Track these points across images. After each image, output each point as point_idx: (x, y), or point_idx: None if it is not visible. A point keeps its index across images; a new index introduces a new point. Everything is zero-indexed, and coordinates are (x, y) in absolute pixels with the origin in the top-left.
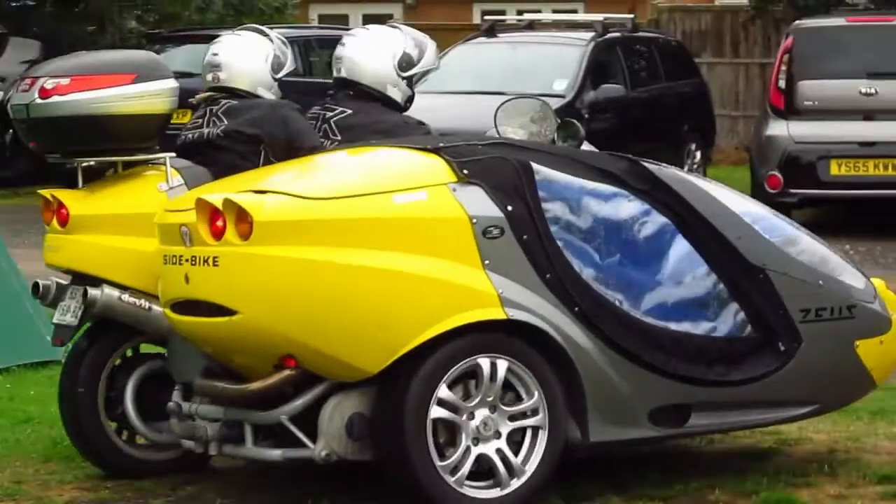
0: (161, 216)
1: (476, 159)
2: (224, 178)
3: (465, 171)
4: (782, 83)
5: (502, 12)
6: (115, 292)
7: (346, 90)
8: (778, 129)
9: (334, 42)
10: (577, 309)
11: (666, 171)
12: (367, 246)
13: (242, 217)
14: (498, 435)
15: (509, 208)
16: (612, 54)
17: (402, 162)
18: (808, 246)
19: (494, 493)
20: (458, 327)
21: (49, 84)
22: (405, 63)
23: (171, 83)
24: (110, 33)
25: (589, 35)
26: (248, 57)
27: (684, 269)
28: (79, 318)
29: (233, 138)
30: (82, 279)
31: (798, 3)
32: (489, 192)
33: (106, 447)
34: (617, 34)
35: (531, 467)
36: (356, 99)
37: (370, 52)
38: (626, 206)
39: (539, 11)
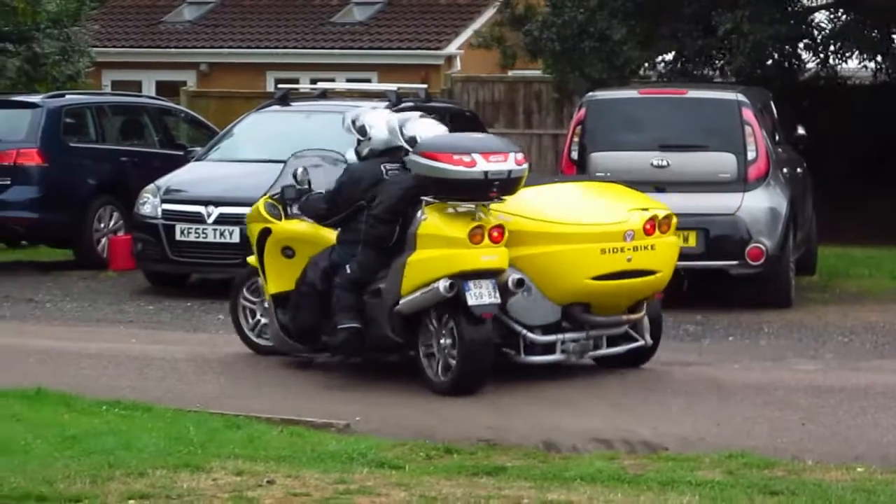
0: (586, 225)
1: None
2: (597, 203)
3: None
4: (574, 154)
5: (296, 80)
6: None
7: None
8: None
9: (127, 108)
10: None
11: None
12: None
13: (666, 223)
14: None
15: None
16: None
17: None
18: None
19: None
20: None
21: (520, 156)
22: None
23: None
24: None
25: (382, 104)
26: None
27: None
28: (499, 298)
29: None
30: (490, 275)
31: (592, 75)
32: None
33: None
34: (411, 104)
35: None
36: None
37: None
38: None
39: (333, 80)
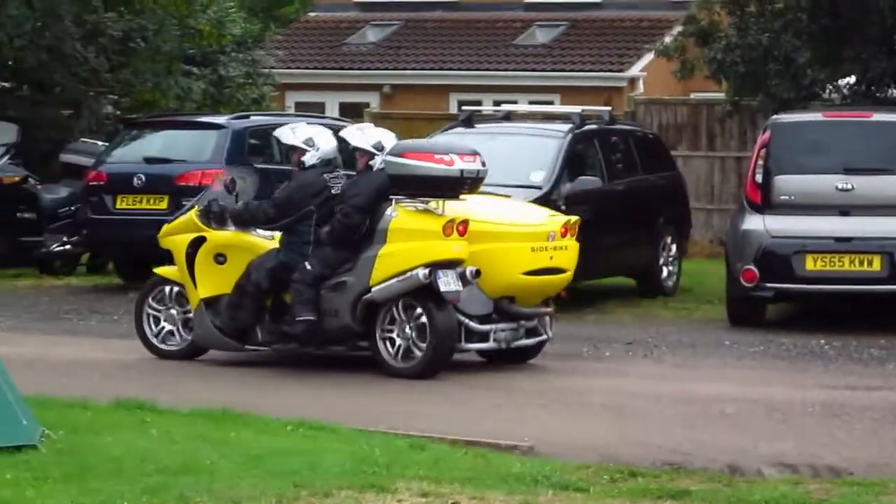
0: (523, 226)
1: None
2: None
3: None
4: (759, 177)
5: (479, 102)
6: None
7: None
8: (754, 222)
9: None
10: None
11: None
12: None
13: (573, 227)
14: None
15: None
16: (589, 146)
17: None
18: None
19: None
20: None
21: (482, 158)
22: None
23: None
24: (86, 118)
25: (566, 127)
26: None
27: None
28: (461, 286)
29: None
30: (454, 265)
31: (781, 94)
32: None
33: None
34: (594, 126)
35: None
36: None
37: None
38: None
39: (516, 102)
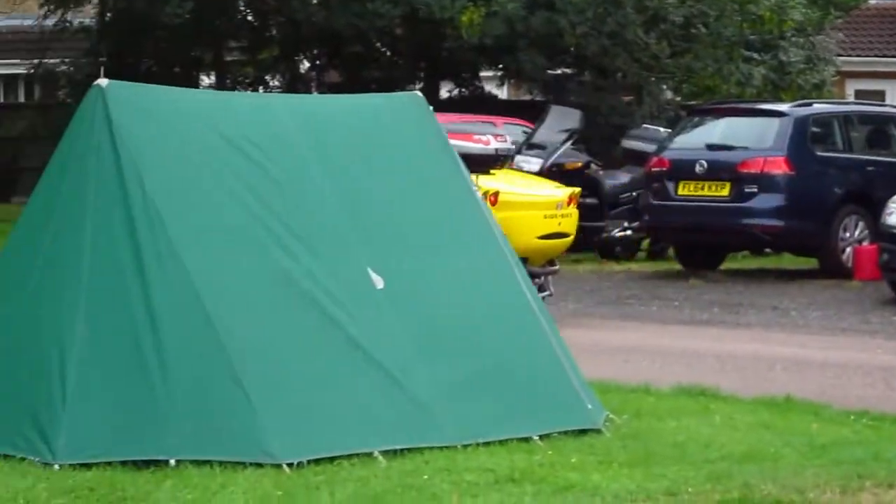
0: (539, 197)
1: None
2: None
3: None
4: None
5: None
6: None
7: None
8: None
9: (874, 118)
10: None
11: None
12: None
13: (575, 197)
14: None
15: None
16: None
17: None
18: None
19: None
20: None
21: (509, 138)
22: None
23: None
24: (647, 104)
25: None
26: None
27: None
28: None
29: None
30: None
31: None
32: None
33: None
34: None
35: None
36: None
37: None
38: None
39: None
